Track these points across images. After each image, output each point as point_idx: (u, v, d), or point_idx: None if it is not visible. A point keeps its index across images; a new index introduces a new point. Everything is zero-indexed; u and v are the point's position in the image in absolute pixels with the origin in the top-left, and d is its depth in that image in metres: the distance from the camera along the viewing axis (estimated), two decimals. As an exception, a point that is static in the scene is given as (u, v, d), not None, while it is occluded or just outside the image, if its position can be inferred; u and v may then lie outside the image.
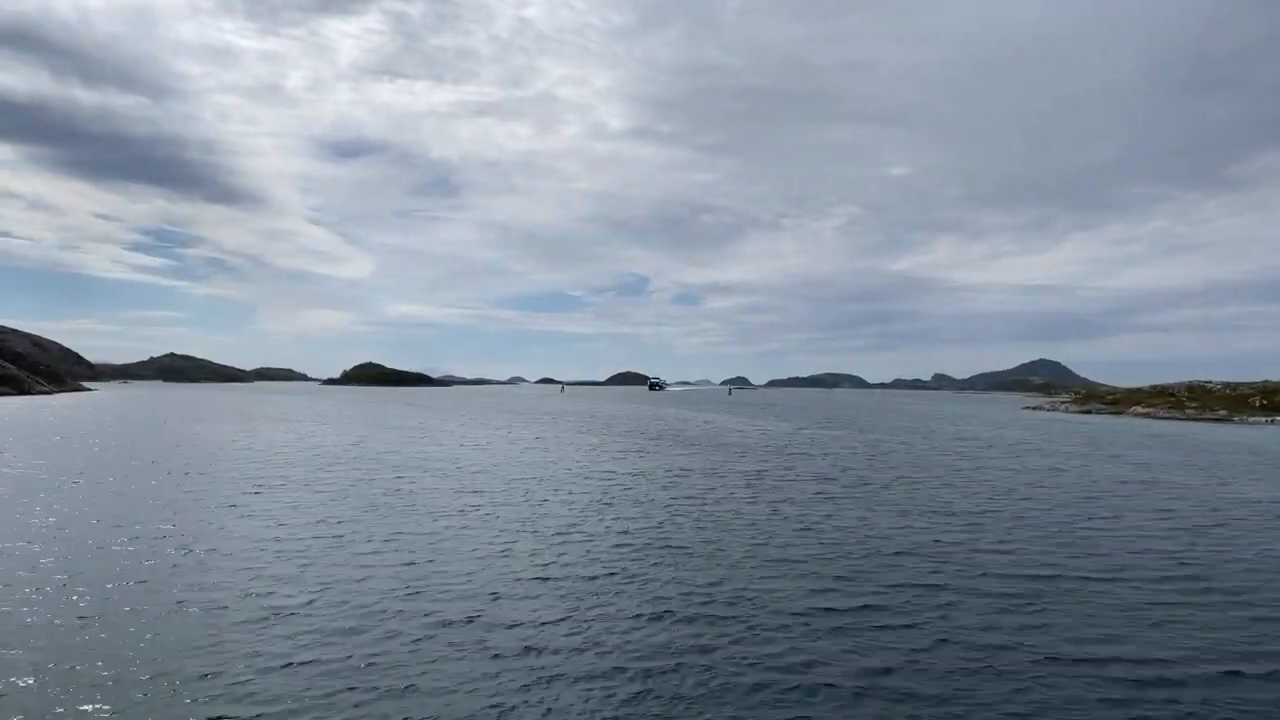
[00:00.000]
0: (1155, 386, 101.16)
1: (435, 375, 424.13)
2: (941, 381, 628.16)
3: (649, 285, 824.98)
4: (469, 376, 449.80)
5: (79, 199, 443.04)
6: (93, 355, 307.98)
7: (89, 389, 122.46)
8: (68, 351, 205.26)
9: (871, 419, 78.28)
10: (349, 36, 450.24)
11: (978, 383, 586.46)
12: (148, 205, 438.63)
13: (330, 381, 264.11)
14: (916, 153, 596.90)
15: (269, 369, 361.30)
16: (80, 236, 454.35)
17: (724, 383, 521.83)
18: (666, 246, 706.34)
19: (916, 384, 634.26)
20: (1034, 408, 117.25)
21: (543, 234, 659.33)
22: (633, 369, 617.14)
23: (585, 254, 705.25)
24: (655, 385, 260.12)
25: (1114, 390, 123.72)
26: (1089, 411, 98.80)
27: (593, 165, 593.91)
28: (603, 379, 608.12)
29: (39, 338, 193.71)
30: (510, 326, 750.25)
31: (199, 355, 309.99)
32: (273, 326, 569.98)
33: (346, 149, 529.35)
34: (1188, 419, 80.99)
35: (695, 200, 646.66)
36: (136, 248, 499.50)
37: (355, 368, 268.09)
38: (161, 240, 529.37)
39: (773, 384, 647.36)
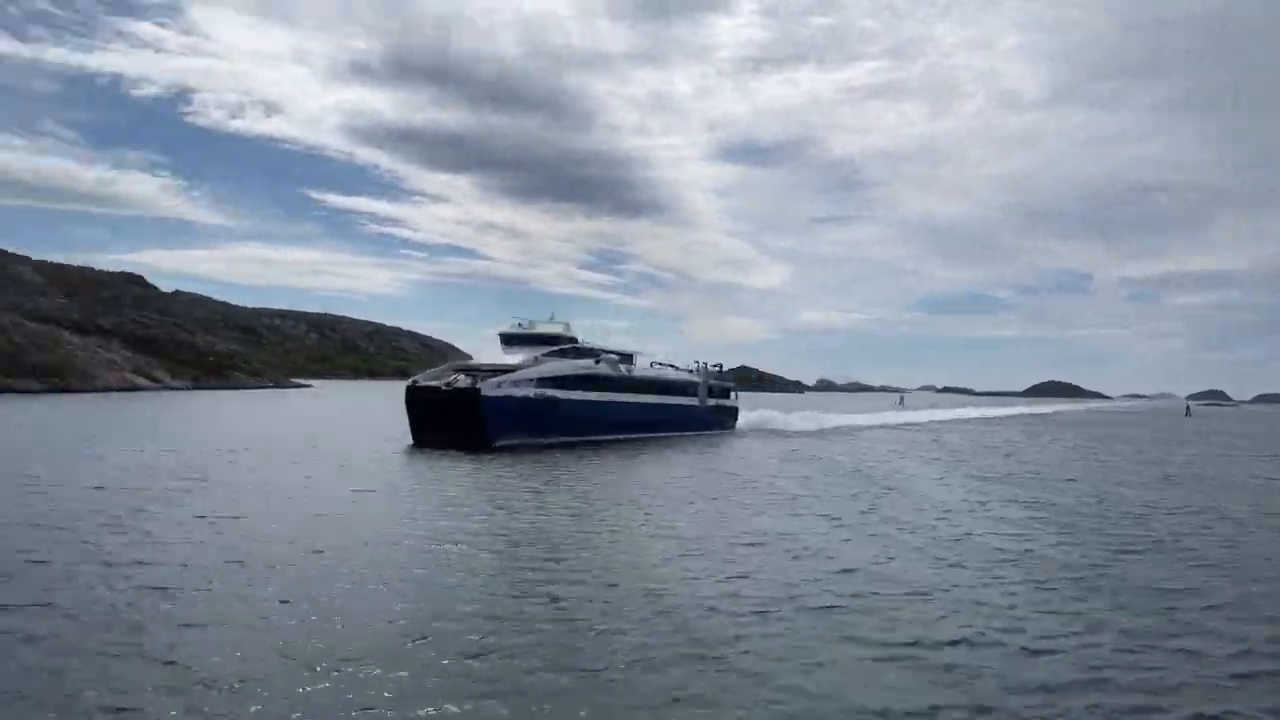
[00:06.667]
0: None
1: (841, 383, 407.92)
2: None
3: (1090, 283, 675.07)
4: (875, 384, 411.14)
5: (537, 224, 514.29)
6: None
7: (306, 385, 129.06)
8: (456, 352, 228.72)
9: None
10: (726, 30, 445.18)
11: None
12: (571, 224, 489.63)
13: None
14: None
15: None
16: (539, 256, 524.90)
17: (1189, 398, 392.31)
18: (1106, 235, 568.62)
19: None
20: None
21: (947, 228, 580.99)
22: (1059, 378, 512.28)
23: (999, 248, 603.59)
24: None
25: None
26: None
27: (1002, 145, 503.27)
28: (1021, 389, 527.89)
29: (429, 338, 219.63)
30: (920, 331, 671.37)
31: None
32: (697, 336, 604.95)
33: (746, 155, 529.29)
34: None
35: (1143, 177, 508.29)
36: (585, 265, 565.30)
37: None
38: (602, 259, 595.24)
39: (1261, 399, 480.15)
